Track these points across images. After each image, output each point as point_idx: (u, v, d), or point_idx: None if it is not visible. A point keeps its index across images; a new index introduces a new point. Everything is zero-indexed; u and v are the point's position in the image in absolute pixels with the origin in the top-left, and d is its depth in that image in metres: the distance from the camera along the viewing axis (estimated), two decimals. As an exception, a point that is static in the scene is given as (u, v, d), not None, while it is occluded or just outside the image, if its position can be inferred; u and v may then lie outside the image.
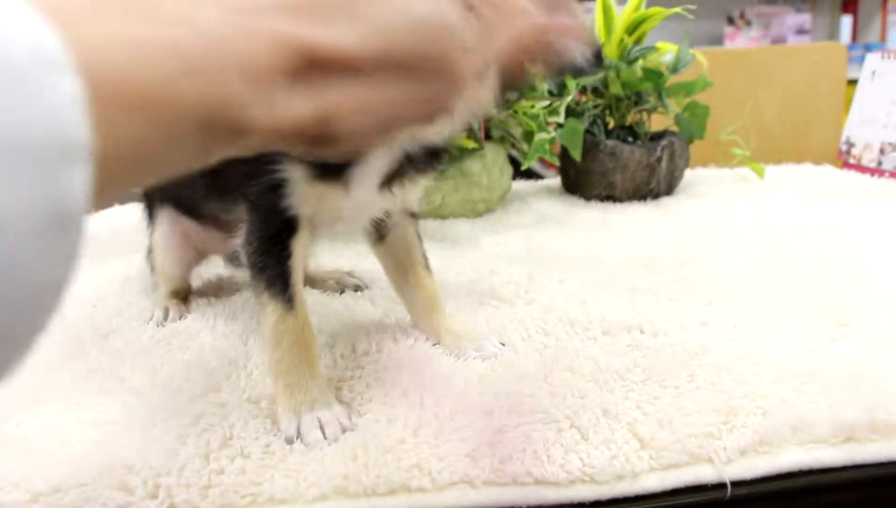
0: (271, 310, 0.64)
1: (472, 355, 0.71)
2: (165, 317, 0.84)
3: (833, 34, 4.81)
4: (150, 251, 0.90)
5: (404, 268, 0.78)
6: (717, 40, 4.83)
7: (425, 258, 0.78)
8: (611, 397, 0.61)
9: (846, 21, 4.71)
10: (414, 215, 0.78)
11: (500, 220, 1.21)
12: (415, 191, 0.74)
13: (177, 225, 0.86)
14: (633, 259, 0.97)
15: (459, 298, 0.86)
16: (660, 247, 1.03)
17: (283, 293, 0.64)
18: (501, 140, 1.25)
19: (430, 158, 0.68)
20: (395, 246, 0.78)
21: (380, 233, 0.77)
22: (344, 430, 0.59)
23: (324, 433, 0.58)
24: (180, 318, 0.84)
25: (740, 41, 4.83)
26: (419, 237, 0.78)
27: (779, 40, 4.84)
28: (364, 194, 0.65)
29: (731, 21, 4.96)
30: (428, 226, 1.18)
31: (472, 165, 1.20)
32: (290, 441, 0.58)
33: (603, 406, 0.59)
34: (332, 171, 0.63)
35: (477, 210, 1.24)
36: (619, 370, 0.65)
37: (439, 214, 1.22)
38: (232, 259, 0.93)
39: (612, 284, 0.88)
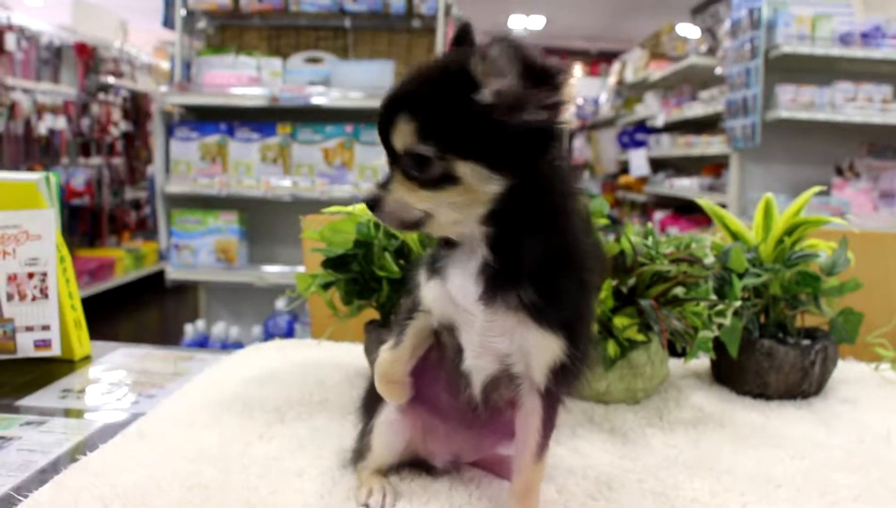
0: (387, 342, 0.90)
1: None
2: (382, 505, 0.90)
3: (946, 194, 4.77)
4: (365, 434, 0.97)
5: (519, 445, 0.87)
6: (824, 190, 4.84)
7: (540, 448, 0.85)
8: None
9: (960, 181, 4.69)
10: (549, 399, 0.85)
11: (661, 412, 1.26)
12: (537, 347, 0.80)
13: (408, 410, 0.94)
14: (808, 483, 1.01)
15: (649, 514, 0.91)
16: (828, 470, 1.06)
17: (397, 337, 0.89)
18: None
19: (534, 294, 0.79)
20: (520, 424, 0.87)
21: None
22: None
23: None
24: (395, 504, 0.91)
25: (848, 192, 4.84)
26: (546, 422, 0.85)
27: (888, 195, 4.83)
28: (462, 298, 0.82)
29: (839, 172, 4.99)
30: (595, 412, 1.25)
31: (639, 356, 1.27)
32: None
33: None
34: (437, 272, 0.84)
35: (636, 397, 1.30)
36: None
37: (602, 399, 1.29)
38: None
39: (796, 517, 0.92)
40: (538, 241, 0.79)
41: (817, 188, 1.49)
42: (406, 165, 0.78)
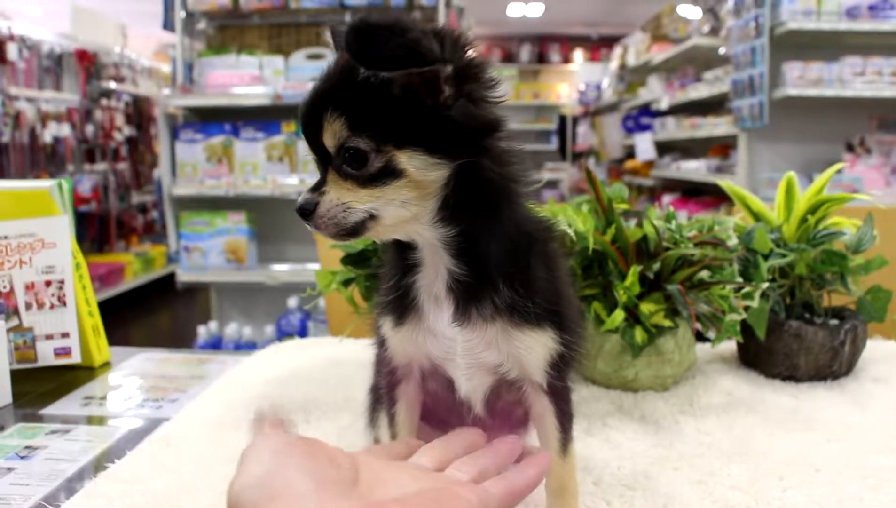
0: (381, 440, 0.88)
1: None
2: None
3: (959, 168, 4.73)
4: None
5: (543, 446, 0.83)
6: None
7: (563, 443, 0.82)
8: None
9: (972, 154, 4.63)
10: (557, 393, 0.81)
11: (691, 398, 1.24)
12: (527, 348, 0.77)
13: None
14: (846, 467, 0.99)
15: (690, 502, 0.90)
16: (867, 451, 1.04)
17: (389, 430, 0.86)
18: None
19: (510, 297, 0.75)
20: (537, 424, 0.84)
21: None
22: None
23: None
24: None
25: (859, 168, 4.80)
26: (561, 417, 0.82)
27: (900, 170, 4.78)
28: (438, 324, 0.77)
29: (850, 148, 4.94)
30: (623, 400, 1.23)
31: (666, 342, 1.25)
32: None
33: None
34: (404, 308, 0.79)
35: (665, 384, 1.28)
36: None
37: (630, 387, 1.27)
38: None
39: (839, 501, 0.90)
40: (497, 232, 0.75)
41: (840, 165, 1.47)
42: (341, 164, 0.71)
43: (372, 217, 0.72)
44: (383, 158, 0.70)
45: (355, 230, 0.73)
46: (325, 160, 0.74)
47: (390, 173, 0.70)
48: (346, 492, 0.55)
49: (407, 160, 0.69)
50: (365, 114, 0.70)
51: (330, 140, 0.71)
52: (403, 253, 0.79)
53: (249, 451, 0.57)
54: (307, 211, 0.73)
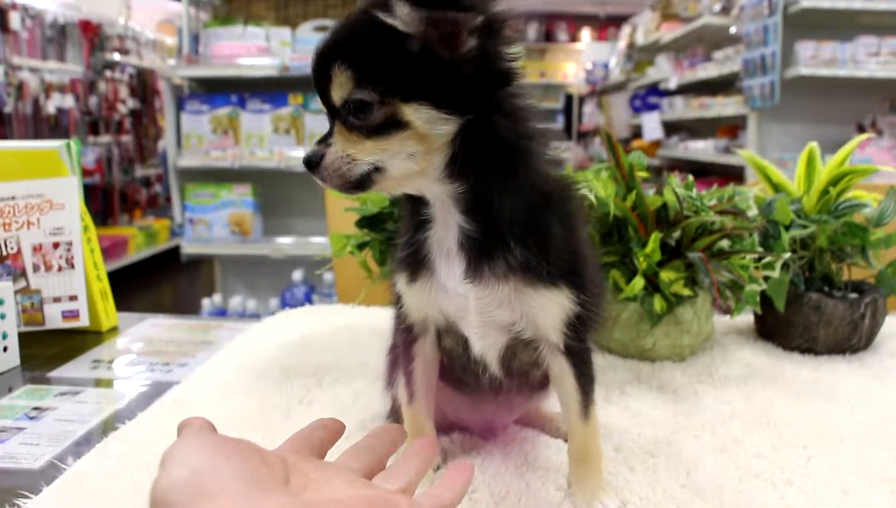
0: (399, 398, 0.87)
1: None
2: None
3: (971, 150, 4.68)
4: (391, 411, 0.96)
5: (564, 410, 0.82)
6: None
7: (584, 406, 0.80)
8: None
9: None
10: (576, 355, 0.79)
11: (709, 368, 1.23)
12: (542, 307, 0.75)
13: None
14: (870, 437, 0.98)
15: (714, 469, 0.88)
16: (889, 424, 1.03)
17: (406, 389, 0.85)
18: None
19: (522, 253, 0.73)
20: (556, 387, 0.82)
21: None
22: None
23: None
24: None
25: (870, 150, 4.75)
26: (581, 379, 0.80)
27: (911, 152, 4.73)
28: (450, 281, 0.76)
29: (861, 129, 4.90)
30: (641, 370, 1.21)
31: (685, 312, 1.23)
32: None
33: None
34: (417, 264, 0.78)
35: (682, 354, 1.26)
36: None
37: (648, 356, 1.25)
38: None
39: (864, 471, 0.89)
40: (510, 190, 0.72)
41: (865, 136, 1.44)
42: (347, 115, 0.71)
43: (377, 170, 0.71)
44: (387, 110, 0.68)
45: (361, 183, 0.72)
46: (333, 113, 0.73)
47: (395, 125, 0.69)
48: (280, 491, 0.52)
49: (413, 113, 0.68)
50: (372, 67, 0.69)
51: (337, 92, 0.71)
52: (417, 208, 0.78)
53: (173, 450, 0.53)
54: (313, 163, 0.73)
